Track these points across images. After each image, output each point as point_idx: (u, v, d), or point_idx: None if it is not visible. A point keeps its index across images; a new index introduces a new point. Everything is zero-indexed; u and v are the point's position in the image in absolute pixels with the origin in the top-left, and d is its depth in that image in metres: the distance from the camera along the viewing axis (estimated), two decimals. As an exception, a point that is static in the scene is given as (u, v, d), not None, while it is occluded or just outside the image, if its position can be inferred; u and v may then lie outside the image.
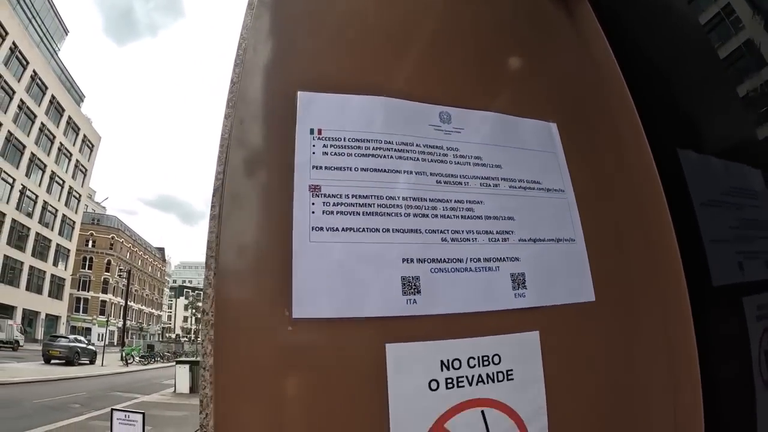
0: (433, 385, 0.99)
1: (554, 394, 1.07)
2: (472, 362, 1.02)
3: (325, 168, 1.08)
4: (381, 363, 0.97)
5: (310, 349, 0.97)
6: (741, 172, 1.64)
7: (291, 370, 0.97)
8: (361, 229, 1.04)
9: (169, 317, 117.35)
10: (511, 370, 1.05)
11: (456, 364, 1.01)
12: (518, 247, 1.15)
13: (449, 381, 1.00)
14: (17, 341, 41.31)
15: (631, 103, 1.37)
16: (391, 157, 1.12)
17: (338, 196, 1.05)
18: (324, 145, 1.10)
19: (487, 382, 1.02)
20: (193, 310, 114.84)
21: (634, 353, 1.20)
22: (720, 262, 1.45)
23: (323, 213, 1.03)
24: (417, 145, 1.16)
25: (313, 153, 1.08)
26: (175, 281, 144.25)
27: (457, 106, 1.25)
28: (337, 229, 1.03)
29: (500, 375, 1.04)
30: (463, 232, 1.11)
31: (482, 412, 1.01)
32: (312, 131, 1.10)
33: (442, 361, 1.00)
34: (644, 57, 1.55)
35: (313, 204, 1.04)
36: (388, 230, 1.05)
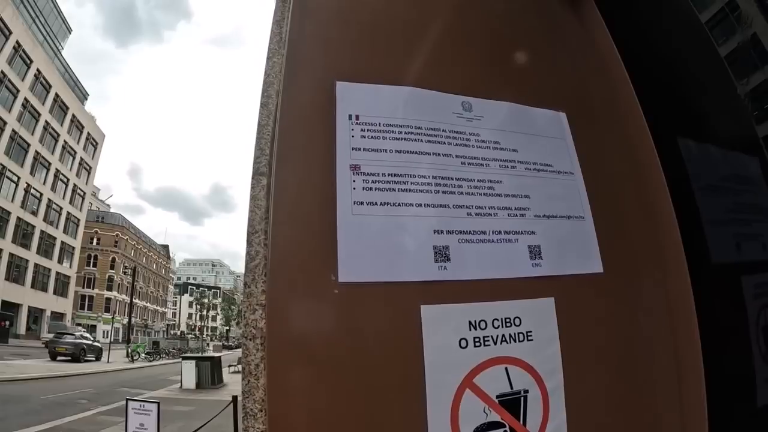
0: (463, 343, 1.11)
1: (568, 354, 1.18)
2: (496, 323, 1.14)
3: (364, 149, 1.21)
4: (417, 322, 1.09)
5: (355, 310, 1.09)
6: (738, 160, 1.73)
7: (337, 329, 1.09)
8: (397, 204, 1.17)
9: (174, 314, 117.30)
10: (531, 331, 1.17)
11: (482, 324, 1.13)
12: (534, 222, 1.28)
13: (477, 340, 1.12)
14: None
15: (633, 94, 1.49)
16: (421, 140, 1.25)
17: (376, 174, 1.18)
18: (362, 129, 1.23)
19: (510, 342, 1.14)
20: (198, 307, 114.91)
21: (639, 320, 1.32)
22: (718, 242, 1.55)
23: (363, 189, 1.16)
24: (443, 130, 1.29)
25: (352, 136, 1.21)
26: (179, 278, 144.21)
27: (477, 97, 1.38)
28: (376, 204, 1.16)
29: (521, 336, 1.15)
30: (485, 207, 1.24)
31: (506, 369, 1.12)
32: (350, 117, 1.23)
33: (470, 322, 1.13)
34: (646, 51, 1.65)
35: (354, 181, 1.16)
36: (420, 205, 1.18)
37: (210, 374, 24.52)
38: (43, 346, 39.62)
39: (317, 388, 1.04)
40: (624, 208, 1.42)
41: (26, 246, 54.51)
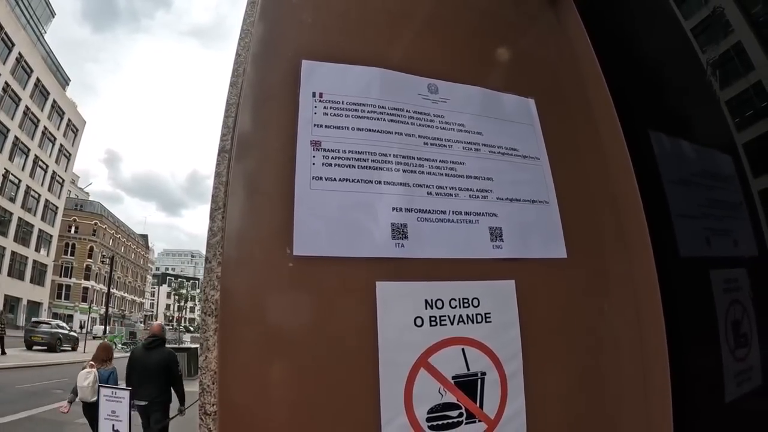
0: (418, 321, 1.10)
1: (529, 338, 1.18)
2: (453, 303, 1.14)
3: (325, 126, 1.20)
4: (372, 299, 1.09)
5: (309, 284, 1.09)
6: (710, 156, 1.73)
7: (291, 302, 1.08)
8: (356, 180, 1.16)
9: (152, 305, 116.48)
10: (489, 313, 1.16)
11: (439, 303, 1.13)
12: (496, 204, 1.27)
13: (433, 319, 1.11)
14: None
15: (604, 84, 1.49)
16: (384, 119, 1.25)
17: (336, 151, 1.18)
18: (325, 107, 1.22)
19: (467, 323, 1.14)
20: (176, 298, 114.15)
21: (603, 308, 1.32)
22: (687, 236, 1.55)
23: (323, 165, 1.16)
24: (407, 111, 1.29)
25: (315, 113, 1.21)
26: (158, 269, 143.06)
27: (445, 79, 1.38)
28: (334, 179, 1.15)
29: (479, 317, 1.15)
30: (446, 188, 1.24)
31: (462, 349, 1.12)
32: (314, 94, 1.23)
33: (426, 300, 1.12)
34: (620, 43, 1.65)
35: (313, 157, 1.16)
36: (380, 182, 1.18)
37: (187, 365, 24.35)
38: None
39: (268, 363, 1.03)
40: (590, 196, 1.42)
41: (3, 233, 53.74)
